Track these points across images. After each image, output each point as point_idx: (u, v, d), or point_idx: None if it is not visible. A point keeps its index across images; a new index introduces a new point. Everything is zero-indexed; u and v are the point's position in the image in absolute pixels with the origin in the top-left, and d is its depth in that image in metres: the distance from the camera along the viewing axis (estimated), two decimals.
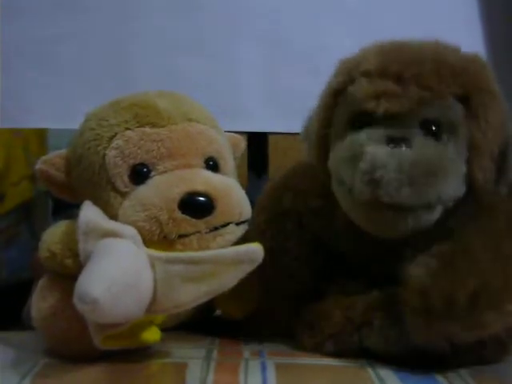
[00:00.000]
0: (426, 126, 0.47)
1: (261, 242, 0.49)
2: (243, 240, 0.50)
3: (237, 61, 0.83)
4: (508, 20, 0.86)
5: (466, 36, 0.84)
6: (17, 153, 0.87)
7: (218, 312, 0.59)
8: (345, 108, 0.50)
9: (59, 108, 0.80)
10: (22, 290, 0.54)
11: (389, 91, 0.46)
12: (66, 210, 0.51)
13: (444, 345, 0.43)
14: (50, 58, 0.80)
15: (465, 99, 0.47)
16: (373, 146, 0.45)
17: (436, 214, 0.47)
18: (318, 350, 0.50)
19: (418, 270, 0.44)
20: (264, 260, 0.46)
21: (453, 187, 0.46)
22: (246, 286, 0.50)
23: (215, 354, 0.49)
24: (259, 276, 0.49)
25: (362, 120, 0.48)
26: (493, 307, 0.42)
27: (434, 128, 0.47)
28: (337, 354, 0.49)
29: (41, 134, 0.92)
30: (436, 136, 0.47)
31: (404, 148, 0.45)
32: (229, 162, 0.55)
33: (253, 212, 0.54)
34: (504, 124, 0.49)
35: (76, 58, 0.80)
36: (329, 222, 0.53)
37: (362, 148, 0.45)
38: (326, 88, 0.53)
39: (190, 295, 0.44)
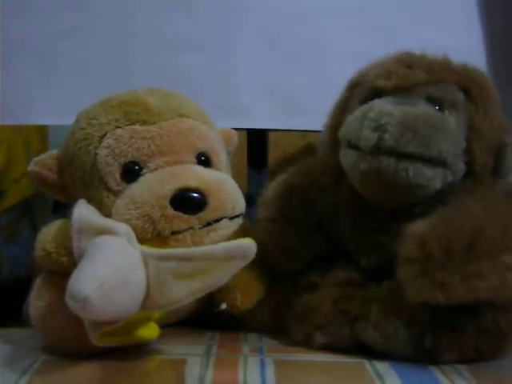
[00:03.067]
0: (429, 102, 0.51)
1: (266, 214, 0.53)
2: (242, 233, 0.50)
3: (236, 58, 0.82)
4: (508, 22, 0.85)
5: (465, 35, 0.83)
6: (17, 150, 0.87)
7: (219, 307, 0.59)
8: (359, 95, 0.54)
9: (60, 105, 0.80)
10: (23, 287, 0.55)
11: (399, 72, 0.52)
12: (67, 207, 0.52)
13: (439, 297, 0.43)
14: (51, 54, 0.80)
15: (466, 90, 0.52)
16: (382, 103, 0.49)
17: (436, 177, 0.48)
18: (308, 342, 0.50)
19: (417, 224, 0.45)
20: (268, 231, 0.48)
21: (453, 151, 0.48)
22: (250, 278, 0.51)
23: (214, 350, 0.49)
24: (260, 250, 0.49)
25: (373, 97, 0.52)
26: (489, 256, 0.43)
27: (437, 106, 0.50)
28: (328, 347, 0.49)
29: (41, 131, 0.93)
30: (439, 110, 0.50)
31: (410, 106, 0.49)
32: (221, 156, 0.54)
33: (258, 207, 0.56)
34: (501, 128, 0.52)
35: (76, 55, 0.80)
36: (333, 198, 0.55)
37: (371, 105, 0.49)
38: (345, 84, 0.57)
39: (182, 292, 0.44)
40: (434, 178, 0.48)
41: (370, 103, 0.50)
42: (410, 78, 0.51)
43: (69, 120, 0.54)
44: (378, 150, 0.47)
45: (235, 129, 0.62)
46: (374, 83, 0.52)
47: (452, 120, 0.50)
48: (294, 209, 0.56)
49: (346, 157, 0.51)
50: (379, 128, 0.47)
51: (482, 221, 0.44)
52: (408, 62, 0.53)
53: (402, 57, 0.54)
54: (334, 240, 0.56)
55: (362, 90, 0.54)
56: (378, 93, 0.52)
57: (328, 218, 0.55)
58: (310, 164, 0.59)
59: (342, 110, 0.56)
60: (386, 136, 0.47)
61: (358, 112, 0.50)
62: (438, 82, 0.51)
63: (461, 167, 0.50)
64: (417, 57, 0.54)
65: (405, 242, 0.44)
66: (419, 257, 0.43)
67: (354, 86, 0.56)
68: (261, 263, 0.52)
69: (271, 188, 0.58)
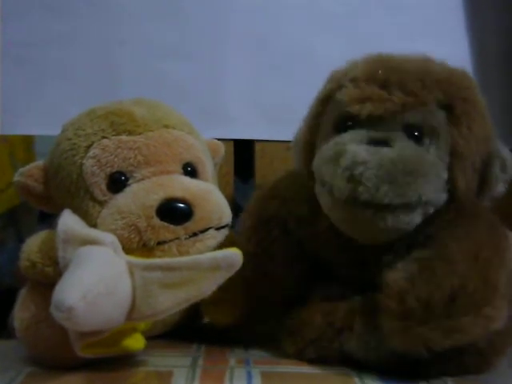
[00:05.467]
0: (408, 131, 0.48)
1: (246, 247, 0.49)
2: (229, 244, 0.50)
3: (223, 67, 0.83)
4: (496, 33, 0.86)
5: (452, 44, 0.84)
6: (3, 159, 0.87)
7: (205, 319, 0.59)
8: (331, 113, 0.51)
9: (46, 114, 0.80)
10: (9, 297, 0.54)
11: (374, 95, 0.48)
12: (52, 217, 0.51)
13: (421, 351, 0.43)
14: (38, 63, 0.80)
15: (448, 107, 0.48)
16: (354, 145, 0.46)
17: (416, 217, 0.47)
18: (299, 355, 0.50)
19: (396, 274, 0.44)
20: (249, 266, 0.47)
21: (433, 190, 0.46)
22: (231, 291, 0.51)
23: (201, 361, 0.49)
24: (244, 282, 0.50)
25: (346, 124, 0.49)
26: (470, 311, 0.42)
27: (416, 133, 0.48)
28: (318, 361, 0.49)
29: (27, 140, 0.92)
30: (417, 140, 0.48)
31: (385, 148, 0.46)
32: (208, 167, 0.55)
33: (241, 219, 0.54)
34: (487, 138, 0.50)
35: (63, 63, 0.80)
36: (313, 228, 0.53)
37: (344, 146, 0.46)
38: (315, 96, 0.54)
39: (168, 302, 0.44)
40: (413, 219, 0.47)
41: (343, 140, 0.47)
42: (385, 104, 0.47)
43: (55, 130, 0.54)
44: (353, 201, 0.45)
45: (221, 139, 0.62)
46: (346, 109, 0.49)
47: (432, 151, 0.47)
48: (275, 241, 0.54)
49: (321, 196, 0.49)
50: (353, 179, 0.44)
51: (462, 274, 0.43)
52: (383, 78, 0.48)
53: (374, 66, 0.50)
54: (318, 261, 0.55)
55: (334, 110, 0.51)
56: (351, 118, 0.49)
57: (309, 243, 0.54)
58: (287, 187, 0.56)
59: (316, 128, 0.53)
60: (361, 189, 0.44)
61: (330, 150, 0.47)
62: (415, 106, 0.47)
63: (443, 197, 0.48)
64: (394, 68, 0.49)
65: (384, 296, 0.44)
66: (399, 312, 0.42)
67: (325, 100, 0.52)
68: (245, 275, 0.52)
69: (248, 215, 0.56)
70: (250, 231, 0.55)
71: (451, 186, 0.48)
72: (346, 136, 0.48)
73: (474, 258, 0.44)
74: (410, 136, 0.48)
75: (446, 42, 0.83)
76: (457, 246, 0.45)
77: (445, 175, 0.47)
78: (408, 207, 0.46)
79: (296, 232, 0.54)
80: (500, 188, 0.50)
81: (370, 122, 0.48)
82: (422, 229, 0.48)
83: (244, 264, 0.46)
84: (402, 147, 0.46)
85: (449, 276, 0.43)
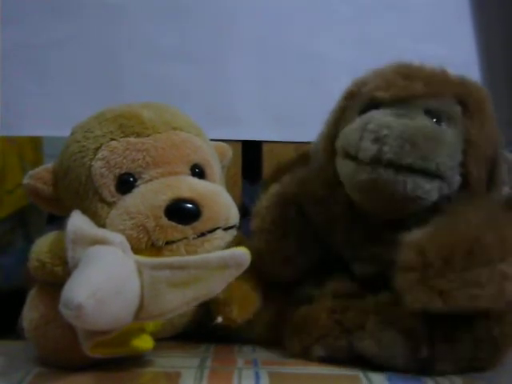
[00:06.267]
0: (427, 115, 0.51)
1: (261, 224, 0.52)
2: (237, 245, 0.50)
3: (230, 69, 0.83)
4: (504, 36, 0.86)
5: (460, 47, 0.84)
6: (12, 160, 0.87)
7: (215, 321, 0.59)
8: (356, 104, 0.54)
9: (54, 115, 0.80)
10: (18, 298, 0.55)
11: (397, 83, 0.52)
12: (61, 218, 0.52)
13: (437, 304, 0.43)
14: (43, 65, 0.81)
15: (463, 103, 0.52)
16: (381, 115, 0.49)
17: (433, 190, 0.48)
18: (306, 354, 0.50)
19: (414, 232, 0.46)
20: (262, 239, 0.49)
21: (450, 165, 0.49)
22: (246, 291, 0.51)
23: (209, 362, 0.49)
24: (257, 256, 0.49)
25: (371, 108, 0.52)
26: (486, 265, 0.43)
27: (435, 119, 0.51)
28: (326, 359, 0.49)
29: (35, 142, 0.93)
30: (437, 123, 0.50)
31: (408, 119, 0.49)
32: (215, 169, 0.55)
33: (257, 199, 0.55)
34: (496, 142, 0.52)
35: (69, 65, 0.81)
36: (328, 210, 0.55)
37: (370, 117, 0.49)
38: (340, 95, 0.57)
39: (176, 301, 0.44)
40: (431, 191, 0.48)
41: (369, 114, 0.50)
42: (408, 89, 0.51)
43: (63, 131, 0.55)
44: (376, 161, 0.47)
45: (229, 140, 0.62)
46: (372, 94, 0.52)
47: (450, 133, 0.50)
48: (290, 221, 0.56)
49: (344, 167, 0.51)
50: (378, 140, 0.47)
51: (479, 229, 0.44)
52: (406, 73, 0.53)
53: (400, 68, 0.54)
54: (330, 250, 0.56)
55: (359, 101, 0.54)
56: (375, 104, 0.52)
57: (324, 228, 0.55)
58: (304, 174, 0.59)
59: (339, 119, 0.55)
60: (386, 148, 0.47)
61: (357, 123, 0.50)
62: (435, 95, 0.51)
63: (457, 180, 0.50)
64: (415, 68, 0.54)
65: (402, 250, 0.45)
66: (418, 264, 0.43)
67: (350, 96, 0.56)
68: (256, 274, 0.52)
69: (265, 199, 0.58)
70: (266, 210, 0.57)
71: (465, 170, 0.50)
72: (372, 112, 0.50)
73: (490, 219, 0.46)
74: (430, 118, 0.50)
75: (453, 43, 0.83)
76: (473, 211, 0.47)
77: (459, 157, 0.50)
78: (427, 174, 0.48)
79: (311, 214, 0.56)
80: (505, 191, 0.53)
81: (393, 105, 0.51)
82: (435, 209, 0.49)
83: (258, 238, 0.48)
84: (423, 121, 0.50)
85: (466, 231, 0.44)
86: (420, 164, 0.47)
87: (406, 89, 0.51)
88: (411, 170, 0.47)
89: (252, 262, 0.46)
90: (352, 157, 0.49)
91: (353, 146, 0.49)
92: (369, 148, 0.47)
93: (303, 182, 0.57)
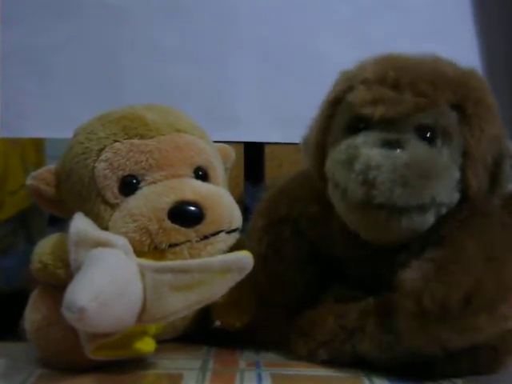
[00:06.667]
0: (420, 132, 0.48)
1: (257, 249, 0.50)
2: (239, 248, 0.50)
3: (230, 69, 0.83)
4: (505, 34, 0.86)
5: (460, 46, 0.84)
6: (14, 162, 0.88)
7: (215, 324, 0.58)
8: (342, 115, 0.51)
9: (55, 116, 0.80)
10: (19, 300, 0.55)
11: (385, 97, 0.48)
12: (63, 219, 0.52)
13: (437, 350, 0.43)
14: (46, 66, 0.81)
15: (460, 108, 0.48)
16: (368, 148, 0.46)
17: (429, 217, 0.47)
18: (311, 357, 0.50)
19: (411, 273, 0.44)
20: (260, 268, 0.47)
21: (446, 191, 0.47)
22: (242, 295, 0.51)
23: (211, 364, 0.49)
24: (254, 284, 0.49)
25: (358, 125, 0.49)
26: (486, 310, 0.42)
27: (428, 134, 0.48)
28: (330, 362, 0.49)
29: (38, 143, 0.93)
30: (430, 141, 0.48)
31: (398, 150, 0.46)
32: (218, 171, 0.55)
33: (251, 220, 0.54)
34: (498, 137, 0.50)
35: (70, 65, 0.81)
36: (325, 228, 0.53)
37: (357, 150, 0.46)
38: (325, 98, 0.54)
39: (179, 304, 0.44)
40: (426, 220, 0.47)
41: (356, 143, 0.47)
42: (397, 106, 0.47)
43: (63, 132, 0.54)
44: (367, 203, 0.45)
45: (231, 142, 0.62)
46: (358, 111, 0.49)
47: (445, 152, 0.47)
48: (286, 242, 0.54)
49: (334, 198, 0.49)
50: (367, 182, 0.44)
51: (477, 274, 0.43)
52: (394, 78, 0.48)
53: (386, 71, 0.49)
54: (330, 261, 0.55)
55: (345, 111, 0.51)
56: (363, 120, 0.49)
57: (322, 243, 0.54)
58: (297, 186, 0.56)
59: (327, 128, 0.53)
60: (375, 192, 0.44)
61: (343, 152, 0.47)
62: (427, 107, 0.47)
63: (455, 197, 0.48)
64: (402, 68, 0.49)
65: (400, 293, 0.44)
66: (416, 312, 0.42)
67: (336, 102, 0.52)
68: (257, 277, 0.52)
69: (258, 216, 0.56)
70: (261, 232, 0.55)
71: (463, 185, 0.48)
72: (359, 139, 0.48)
73: (488, 257, 0.44)
74: (423, 137, 0.48)
75: (454, 43, 0.83)
76: (470, 246, 0.45)
77: (457, 175, 0.48)
78: (422, 208, 0.46)
79: (308, 232, 0.54)
80: (511, 187, 0.50)
81: (382, 123, 0.48)
82: (435, 228, 0.48)
83: (255, 266, 0.46)
84: (415, 149, 0.46)
85: (464, 276, 0.43)
86: (414, 202, 0.45)
87: (394, 105, 0.47)
88: (405, 209, 0.45)
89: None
90: (341, 191, 0.47)
91: (341, 182, 0.47)
92: (357, 191, 0.45)
93: (296, 199, 0.55)
